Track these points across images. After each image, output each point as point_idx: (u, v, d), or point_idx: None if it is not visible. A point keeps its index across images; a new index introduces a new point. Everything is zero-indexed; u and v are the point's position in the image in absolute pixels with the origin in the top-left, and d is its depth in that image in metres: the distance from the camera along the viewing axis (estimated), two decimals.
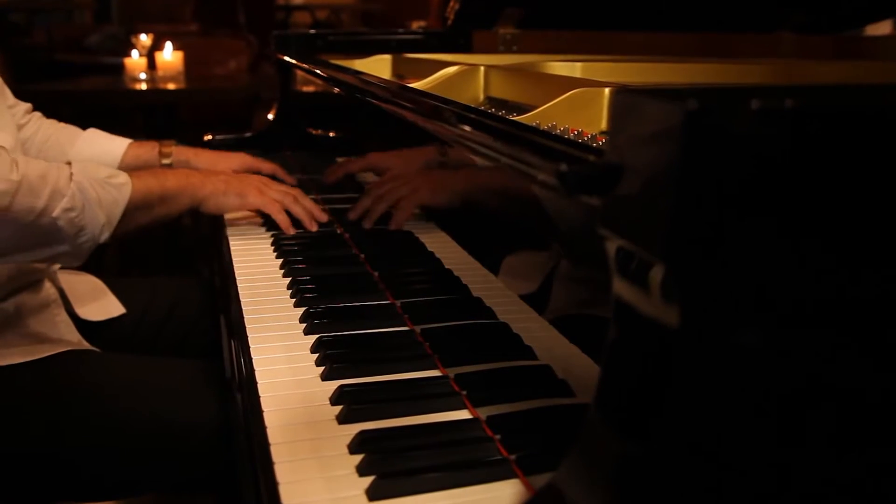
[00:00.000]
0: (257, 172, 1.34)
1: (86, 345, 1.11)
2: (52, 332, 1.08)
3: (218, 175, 1.19)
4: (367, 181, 1.35)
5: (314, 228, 1.20)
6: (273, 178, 1.34)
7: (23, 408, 0.96)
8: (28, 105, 1.36)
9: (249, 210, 1.22)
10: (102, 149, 1.38)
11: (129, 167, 1.36)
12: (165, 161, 1.37)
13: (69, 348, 1.05)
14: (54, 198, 0.94)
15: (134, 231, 1.09)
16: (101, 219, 0.99)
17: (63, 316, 1.12)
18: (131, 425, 0.96)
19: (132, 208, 1.03)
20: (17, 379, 0.97)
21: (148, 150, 1.39)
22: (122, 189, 1.02)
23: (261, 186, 1.20)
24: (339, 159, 1.48)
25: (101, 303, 1.22)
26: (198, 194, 1.14)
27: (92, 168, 1.01)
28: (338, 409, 0.67)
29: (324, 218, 1.22)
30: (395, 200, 1.16)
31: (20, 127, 1.32)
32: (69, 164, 0.99)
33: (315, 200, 1.38)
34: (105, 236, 1.00)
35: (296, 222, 1.20)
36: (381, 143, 1.29)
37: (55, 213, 0.94)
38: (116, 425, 0.96)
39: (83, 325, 1.17)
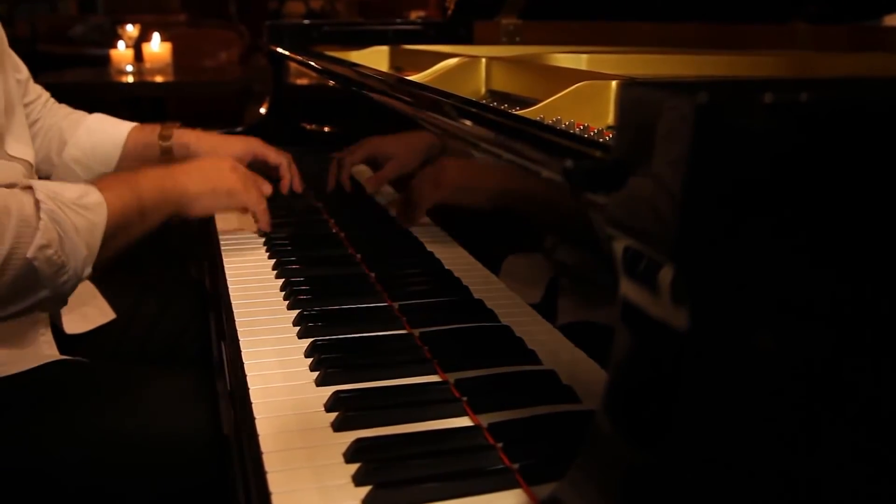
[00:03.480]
0: (264, 162, 1.29)
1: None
2: (32, 352, 1.02)
3: (192, 172, 1.08)
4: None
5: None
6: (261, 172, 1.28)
7: (6, 420, 0.94)
8: (43, 98, 1.32)
9: (236, 209, 1.15)
10: (104, 136, 1.32)
11: (130, 154, 1.34)
12: (165, 143, 1.31)
13: (52, 360, 1.02)
14: (23, 234, 0.79)
15: (110, 259, 0.97)
16: (83, 250, 0.85)
17: (48, 336, 1.05)
18: (119, 437, 0.94)
19: (111, 231, 0.89)
20: (0, 391, 0.95)
21: (148, 133, 1.33)
22: (97, 210, 0.88)
23: (244, 180, 1.12)
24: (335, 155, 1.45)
25: (88, 310, 1.18)
26: (181, 200, 1.04)
27: (58, 189, 0.86)
28: (333, 416, 0.66)
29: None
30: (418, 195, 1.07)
31: (32, 123, 1.28)
32: (28, 187, 0.83)
33: (313, 200, 1.36)
34: (88, 271, 0.88)
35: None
36: (378, 139, 1.27)
37: (29, 254, 0.80)
38: (103, 437, 0.94)
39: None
